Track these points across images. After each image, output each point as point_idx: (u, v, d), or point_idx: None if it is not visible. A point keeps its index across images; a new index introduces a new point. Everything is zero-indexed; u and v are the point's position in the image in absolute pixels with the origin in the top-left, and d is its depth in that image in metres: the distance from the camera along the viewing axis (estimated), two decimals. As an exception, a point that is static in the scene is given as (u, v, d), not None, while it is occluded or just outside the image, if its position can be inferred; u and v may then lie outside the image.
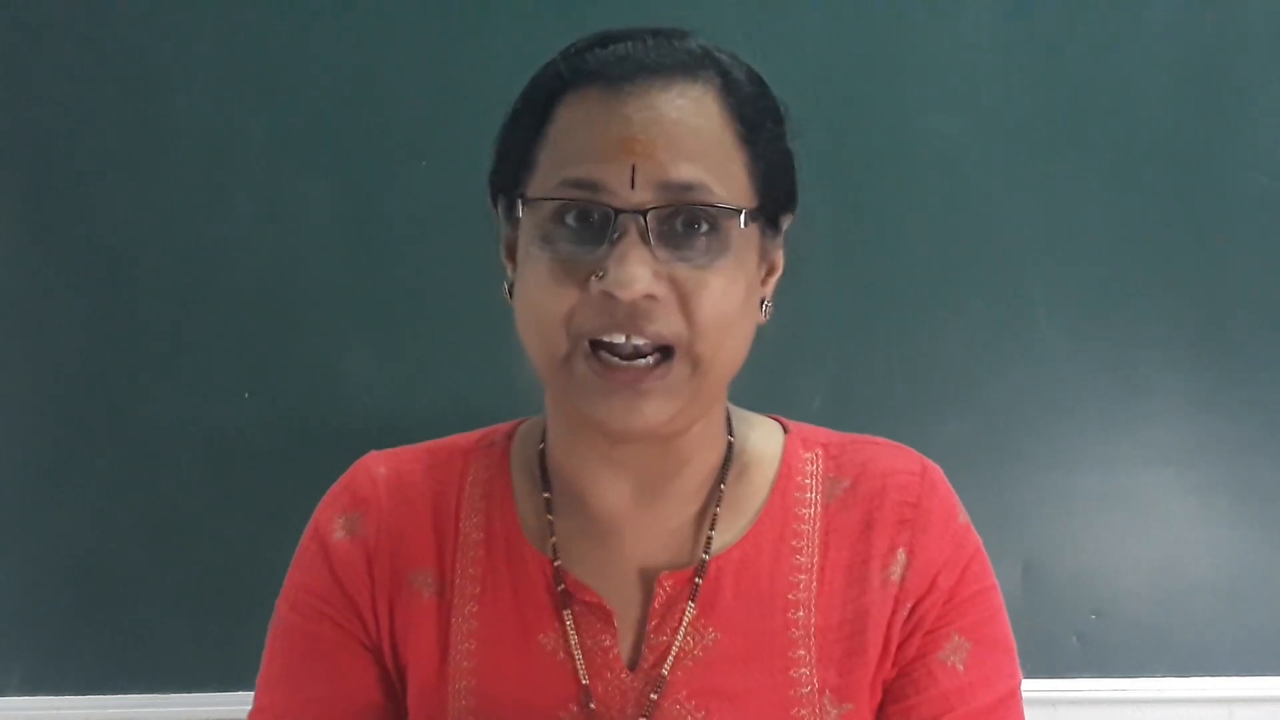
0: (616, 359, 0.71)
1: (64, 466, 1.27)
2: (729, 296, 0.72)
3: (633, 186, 0.70)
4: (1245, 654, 1.22)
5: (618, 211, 0.70)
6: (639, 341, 0.70)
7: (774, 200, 0.77)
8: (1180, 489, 1.23)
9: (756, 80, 0.77)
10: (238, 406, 1.26)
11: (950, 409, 1.23)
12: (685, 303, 0.71)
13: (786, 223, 0.81)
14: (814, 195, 1.22)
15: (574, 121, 0.73)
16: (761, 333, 1.21)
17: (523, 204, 0.74)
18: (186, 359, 1.26)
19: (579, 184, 0.71)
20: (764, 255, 0.78)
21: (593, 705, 0.77)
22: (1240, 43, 1.22)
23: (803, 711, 0.77)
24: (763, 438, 0.86)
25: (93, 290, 1.27)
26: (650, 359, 0.71)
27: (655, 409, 0.71)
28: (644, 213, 0.70)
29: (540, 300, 0.72)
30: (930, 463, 0.84)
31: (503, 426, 0.89)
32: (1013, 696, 0.81)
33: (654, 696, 0.76)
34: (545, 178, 0.73)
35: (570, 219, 0.72)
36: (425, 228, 1.24)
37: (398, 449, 0.88)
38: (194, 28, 1.25)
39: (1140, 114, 1.22)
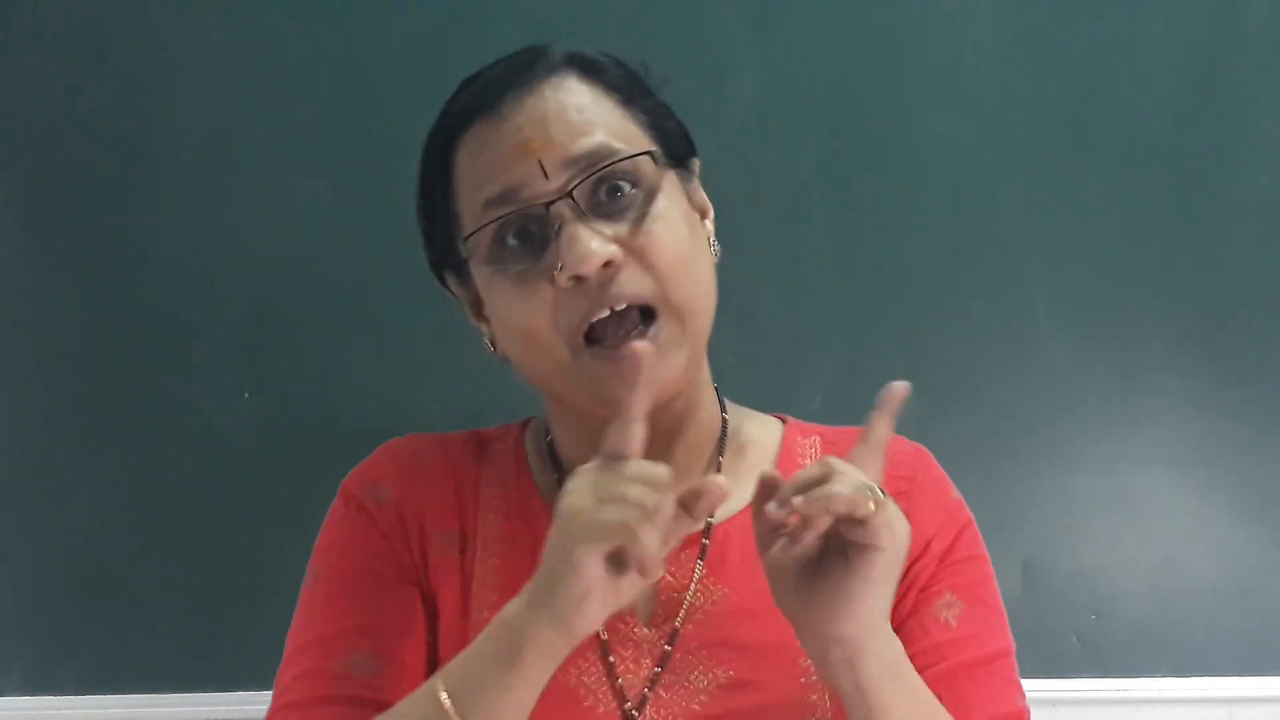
0: (613, 343, 0.75)
1: (64, 466, 1.27)
2: (676, 236, 0.76)
3: (546, 177, 0.74)
4: (1245, 654, 1.22)
5: (548, 205, 0.74)
6: (621, 306, 0.74)
7: (672, 145, 0.81)
8: (1180, 489, 1.23)
9: (609, 55, 0.82)
10: (238, 406, 1.25)
11: (950, 409, 1.23)
12: (643, 257, 0.75)
13: (696, 166, 0.85)
14: (814, 195, 1.24)
15: (472, 156, 0.78)
16: (762, 332, 1.22)
17: (465, 246, 0.78)
18: (186, 359, 1.26)
19: (500, 199, 0.75)
20: (690, 198, 0.82)
21: (611, 659, 0.80)
22: (1240, 44, 1.21)
23: (808, 661, 0.79)
24: (760, 426, 0.91)
25: (92, 290, 1.27)
26: (639, 327, 0.75)
27: (663, 365, 0.75)
28: (568, 193, 0.74)
29: (518, 316, 0.76)
30: (922, 446, 0.90)
31: (515, 422, 0.94)
32: (1006, 657, 0.84)
33: (668, 648, 0.80)
34: (469, 217, 0.78)
35: (511, 238, 0.76)
36: (425, 228, 1.24)
37: (419, 434, 0.92)
38: (194, 28, 1.25)
39: (1140, 114, 1.22)
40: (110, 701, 1.26)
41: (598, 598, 0.64)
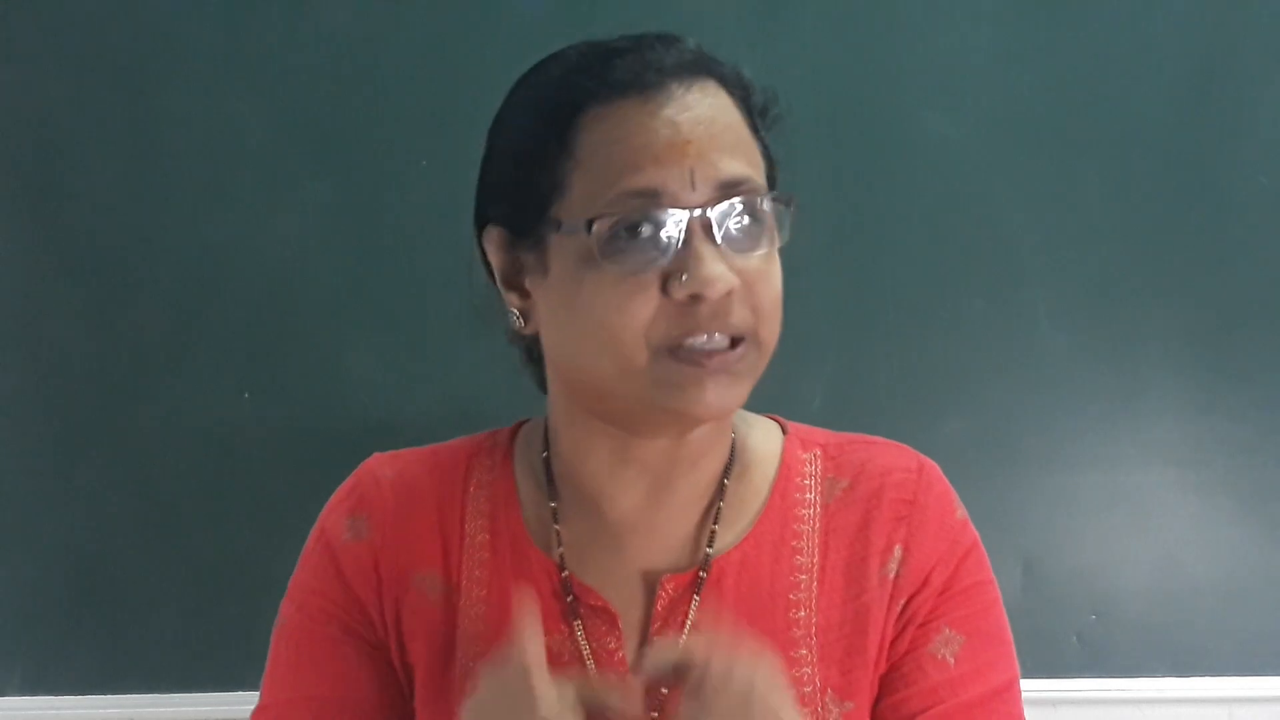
0: (700, 350, 0.72)
1: (64, 466, 1.27)
2: (779, 280, 0.76)
3: (693, 188, 0.71)
4: (1245, 654, 1.22)
5: (689, 213, 0.71)
6: (719, 337, 0.72)
7: (773, 184, 0.79)
8: (1180, 489, 1.23)
9: (741, 73, 0.79)
10: (238, 406, 1.26)
11: (950, 409, 1.23)
12: (750, 291, 0.73)
13: None
14: (813, 196, 1.23)
15: (613, 134, 0.72)
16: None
17: (589, 226, 0.71)
18: (186, 359, 1.26)
19: (641, 193, 0.71)
20: None
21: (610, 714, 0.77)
22: (1240, 43, 1.22)
23: (804, 710, 0.77)
24: (762, 437, 0.87)
25: (92, 290, 1.27)
26: (728, 350, 0.73)
27: (738, 391, 0.74)
28: (707, 211, 0.71)
29: (613, 317, 0.71)
30: (927, 460, 0.85)
31: (504, 429, 0.89)
32: (1008, 689, 0.81)
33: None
34: (591, 195, 0.72)
35: (623, 230, 0.71)
36: (425, 228, 1.24)
37: (401, 451, 0.88)
38: (194, 27, 1.25)
39: (1140, 114, 1.22)
40: (110, 701, 1.27)
41: None
